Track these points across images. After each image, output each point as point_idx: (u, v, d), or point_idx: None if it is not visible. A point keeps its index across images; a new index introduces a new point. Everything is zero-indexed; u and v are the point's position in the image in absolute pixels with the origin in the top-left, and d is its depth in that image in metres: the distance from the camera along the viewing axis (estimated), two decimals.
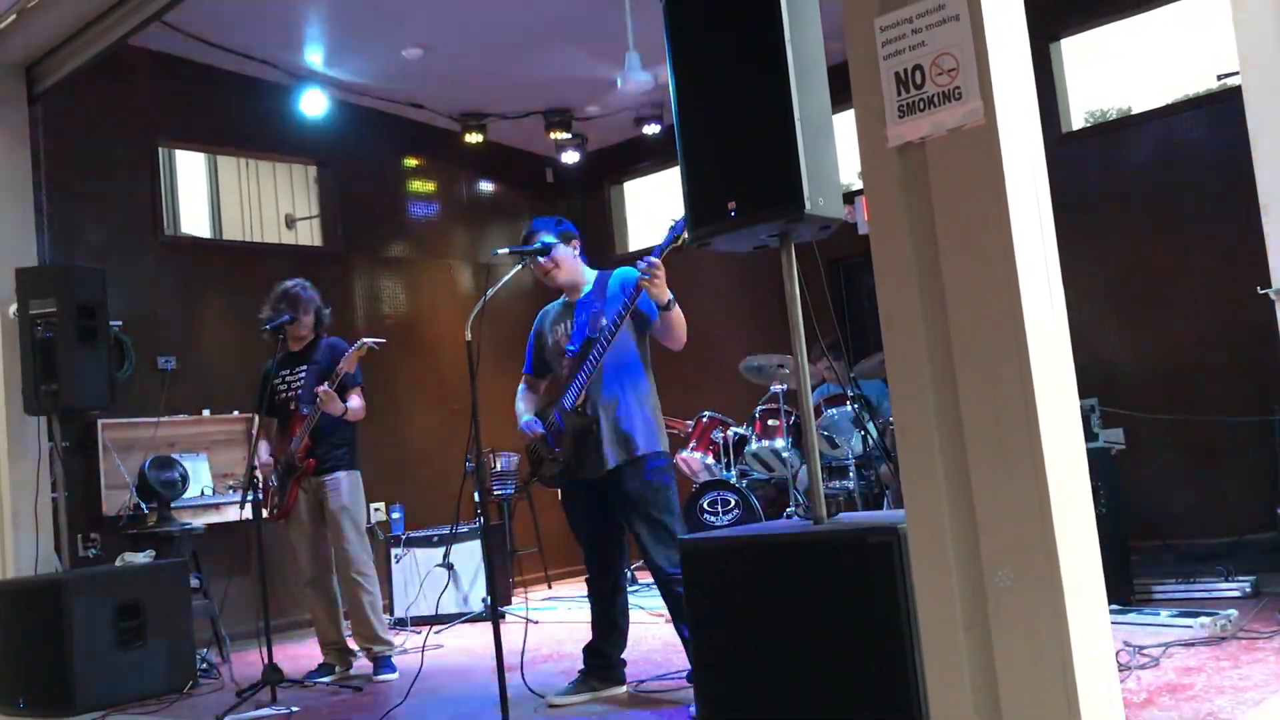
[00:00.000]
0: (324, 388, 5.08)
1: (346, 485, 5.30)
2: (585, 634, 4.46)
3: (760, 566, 2.76)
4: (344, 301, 7.83)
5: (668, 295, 3.92)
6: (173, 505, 6.39)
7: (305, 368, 5.36)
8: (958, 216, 2.35)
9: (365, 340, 5.13)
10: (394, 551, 7.11)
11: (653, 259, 3.83)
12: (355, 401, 5.27)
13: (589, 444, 4.12)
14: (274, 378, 5.42)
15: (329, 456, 5.28)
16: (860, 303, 7.68)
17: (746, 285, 8.11)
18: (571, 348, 4.21)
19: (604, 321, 4.10)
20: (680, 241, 3.76)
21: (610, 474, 4.11)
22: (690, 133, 2.98)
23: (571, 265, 4.33)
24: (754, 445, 6.72)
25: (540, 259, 4.27)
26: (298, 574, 5.42)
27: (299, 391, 5.31)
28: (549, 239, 4.28)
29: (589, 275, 4.34)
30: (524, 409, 4.39)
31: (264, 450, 5.39)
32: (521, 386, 4.52)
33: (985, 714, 2.29)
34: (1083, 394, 2.60)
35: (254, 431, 5.65)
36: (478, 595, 6.88)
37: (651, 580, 4.31)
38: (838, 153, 2.88)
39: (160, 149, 7.52)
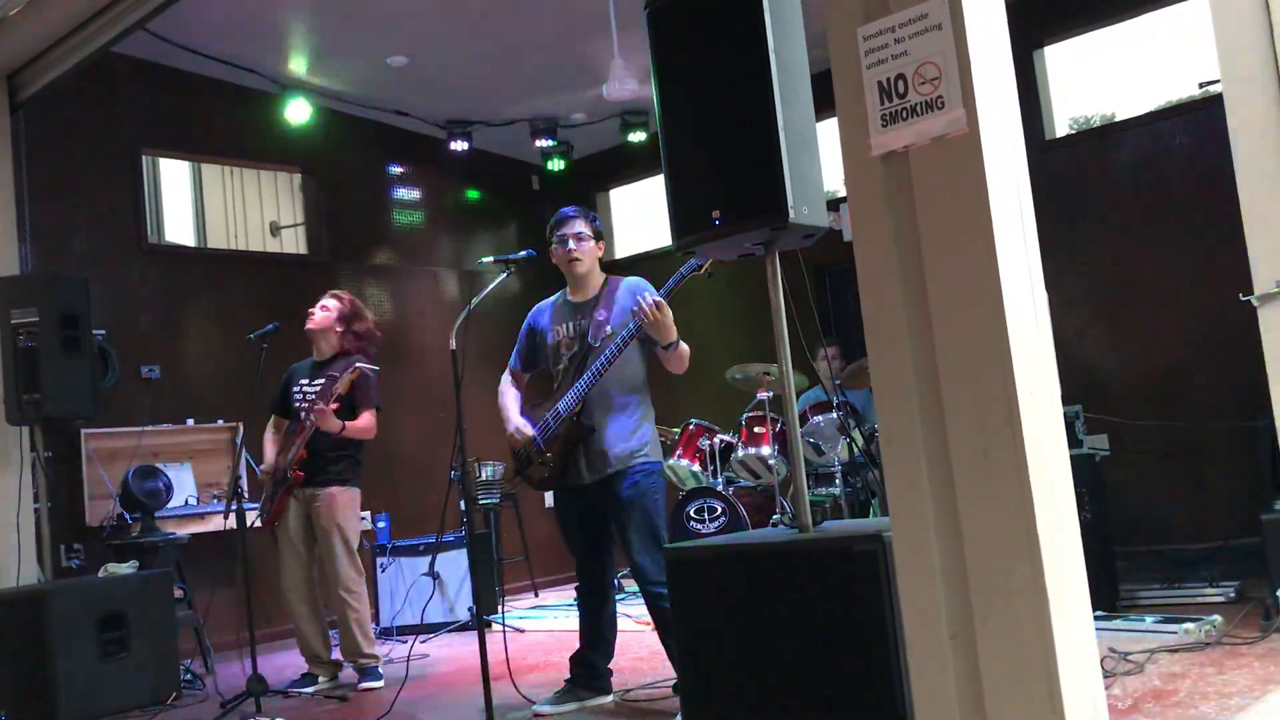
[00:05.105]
0: (320, 404, 5.04)
1: (340, 501, 5.24)
2: (572, 643, 4.45)
3: (745, 575, 2.76)
4: None
5: (673, 336, 3.95)
6: (157, 515, 6.35)
7: (322, 380, 5.31)
8: (941, 225, 2.35)
9: (358, 364, 5.10)
10: (379, 561, 7.09)
11: (657, 298, 3.86)
12: (361, 421, 5.21)
13: (582, 451, 4.12)
14: (295, 383, 5.39)
15: (325, 470, 5.23)
16: (846, 309, 7.69)
17: (733, 292, 8.12)
18: (574, 352, 4.20)
19: (609, 330, 4.10)
20: (683, 279, 3.82)
21: (602, 481, 4.11)
22: (675, 141, 2.98)
23: (593, 263, 4.32)
24: (740, 452, 6.72)
25: (571, 244, 4.25)
26: (282, 582, 5.37)
27: (311, 401, 5.27)
28: (582, 227, 4.27)
29: (599, 279, 4.33)
30: (511, 407, 4.37)
31: (270, 452, 5.36)
32: (507, 379, 4.48)
33: None
34: (1067, 400, 2.60)
35: (236, 436, 5.62)
36: (464, 604, 6.86)
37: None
38: (822, 160, 2.89)
39: (144, 157, 7.49)
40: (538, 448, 4.19)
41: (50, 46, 5.79)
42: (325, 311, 5.38)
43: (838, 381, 6.45)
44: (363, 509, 5.52)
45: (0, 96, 5.98)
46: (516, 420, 4.29)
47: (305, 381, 5.37)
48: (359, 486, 5.36)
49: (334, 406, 5.06)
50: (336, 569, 5.23)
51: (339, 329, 5.38)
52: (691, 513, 6.59)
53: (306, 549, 5.31)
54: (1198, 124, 6.34)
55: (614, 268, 4.64)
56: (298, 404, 5.33)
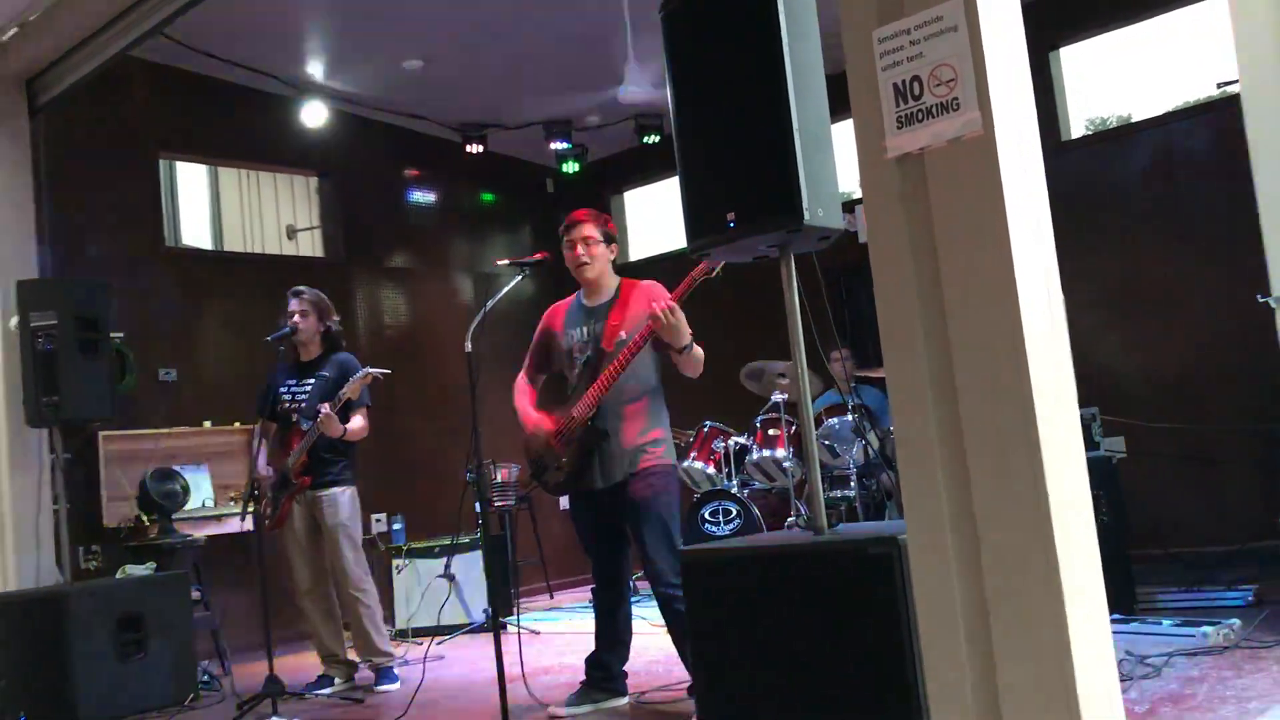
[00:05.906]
0: (325, 409, 5.07)
1: (344, 501, 5.28)
2: (587, 645, 4.45)
3: (760, 577, 2.76)
4: (345, 312, 7.81)
5: (686, 339, 3.92)
6: (174, 517, 6.38)
7: (312, 380, 5.35)
8: (957, 227, 2.35)
9: (370, 370, 5.13)
10: (395, 562, 7.11)
11: (670, 302, 3.85)
12: (356, 423, 5.24)
13: (598, 455, 4.12)
14: (279, 385, 5.42)
15: (326, 472, 5.27)
16: (861, 312, 7.66)
17: (748, 294, 8.11)
18: (588, 356, 4.20)
19: (622, 335, 4.10)
20: (694, 283, 3.80)
21: (617, 484, 4.10)
22: (689, 143, 2.98)
23: (604, 265, 4.31)
24: (755, 455, 6.71)
25: (580, 248, 4.24)
26: (294, 585, 5.40)
27: (302, 404, 5.30)
28: (592, 231, 4.26)
29: (612, 282, 4.33)
30: (527, 406, 4.36)
31: (262, 458, 5.39)
32: (522, 380, 4.48)
33: None
34: (1083, 402, 2.59)
35: (254, 438, 5.65)
36: (479, 606, 6.87)
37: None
38: (837, 162, 2.88)
39: (161, 160, 7.54)
40: (554, 453, 4.18)
41: (68, 51, 5.83)
42: (306, 320, 5.41)
43: (854, 385, 6.44)
44: (378, 510, 5.54)
45: (19, 101, 6.02)
46: (535, 416, 4.29)
47: (293, 383, 5.42)
48: (356, 484, 5.40)
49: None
50: (345, 569, 5.26)
51: (320, 330, 5.46)
52: (706, 515, 6.59)
53: (314, 550, 5.34)
54: (1215, 124, 6.30)
55: (629, 270, 4.65)
56: (286, 405, 5.37)
